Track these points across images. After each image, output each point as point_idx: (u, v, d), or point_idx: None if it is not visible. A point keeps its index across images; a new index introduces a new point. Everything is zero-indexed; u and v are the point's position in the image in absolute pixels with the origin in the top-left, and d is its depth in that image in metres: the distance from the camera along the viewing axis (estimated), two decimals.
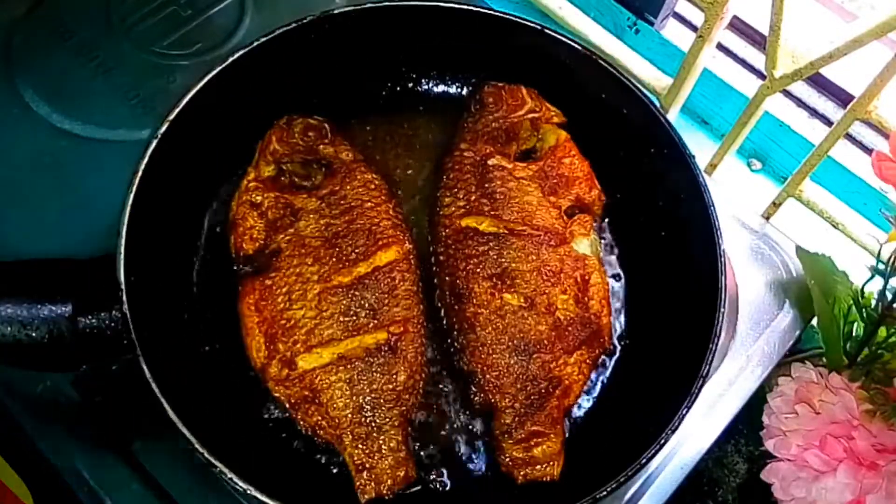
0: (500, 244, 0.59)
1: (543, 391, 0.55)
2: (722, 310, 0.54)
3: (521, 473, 0.54)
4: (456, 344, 0.58)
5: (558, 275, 0.58)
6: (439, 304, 0.60)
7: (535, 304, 0.57)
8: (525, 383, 0.55)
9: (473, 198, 0.61)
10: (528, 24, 0.64)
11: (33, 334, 0.51)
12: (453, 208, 0.61)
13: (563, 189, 0.62)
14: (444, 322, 0.59)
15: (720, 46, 0.81)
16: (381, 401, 0.54)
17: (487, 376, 0.56)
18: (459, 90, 0.71)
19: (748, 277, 0.70)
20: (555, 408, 0.55)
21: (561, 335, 0.57)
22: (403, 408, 0.55)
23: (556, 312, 0.57)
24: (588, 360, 0.57)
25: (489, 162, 0.62)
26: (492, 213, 0.60)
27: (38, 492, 0.60)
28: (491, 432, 0.56)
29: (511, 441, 0.54)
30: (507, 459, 0.54)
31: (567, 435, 0.57)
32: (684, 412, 0.51)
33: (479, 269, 0.58)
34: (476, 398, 0.56)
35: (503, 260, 0.58)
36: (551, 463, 0.54)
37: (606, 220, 0.65)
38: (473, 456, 0.57)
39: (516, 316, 0.57)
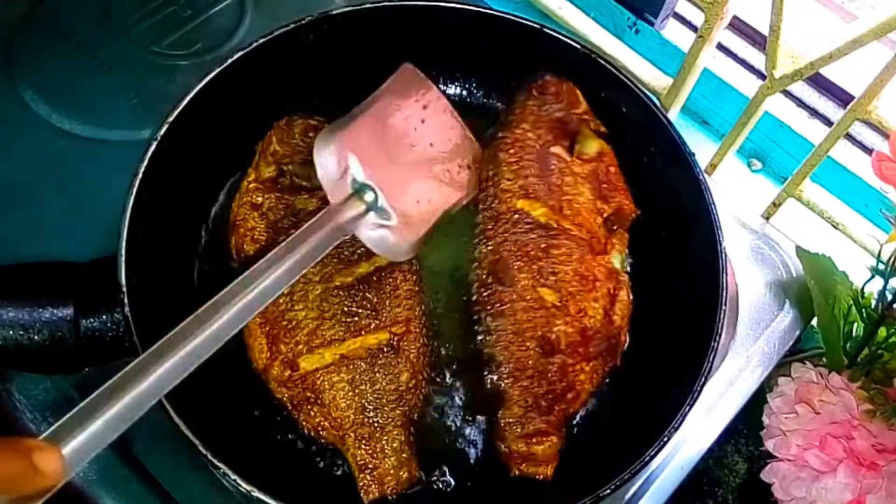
0: (549, 237, 0.57)
1: (557, 392, 0.55)
2: (723, 309, 0.54)
3: (517, 467, 0.54)
4: (483, 324, 0.56)
5: (594, 283, 0.57)
6: (474, 278, 0.58)
7: (567, 305, 0.56)
8: (542, 381, 0.55)
9: (533, 181, 0.59)
10: (528, 23, 0.64)
11: (35, 337, 0.51)
12: (515, 186, 0.59)
13: (610, 195, 0.61)
14: (474, 297, 0.58)
15: (720, 46, 0.81)
16: (384, 401, 0.54)
17: (509, 365, 0.55)
18: (459, 90, 0.71)
19: (748, 277, 0.70)
20: (562, 411, 0.55)
21: (585, 342, 0.56)
22: (406, 408, 0.55)
23: (584, 319, 0.56)
24: (600, 372, 0.57)
25: (551, 149, 0.60)
26: (548, 202, 0.58)
27: None
28: (495, 419, 0.55)
29: (515, 434, 0.54)
30: (507, 450, 0.54)
31: (568, 436, 0.57)
32: (686, 411, 0.51)
33: (525, 258, 0.57)
34: (489, 383, 0.55)
35: (548, 254, 0.57)
36: (547, 463, 0.54)
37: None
38: (476, 456, 0.57)
39: (549, 312, 0.56)
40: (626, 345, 0.60)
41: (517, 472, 0.54)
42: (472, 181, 0.60)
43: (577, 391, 0.56)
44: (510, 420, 0.55)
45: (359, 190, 0.51)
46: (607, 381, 0.59)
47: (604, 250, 0.59)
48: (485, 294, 0.57)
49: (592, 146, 0.63)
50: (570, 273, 0.57)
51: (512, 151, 0.61)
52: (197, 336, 0.42)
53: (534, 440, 0.54)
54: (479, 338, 0.57)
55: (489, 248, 0.58)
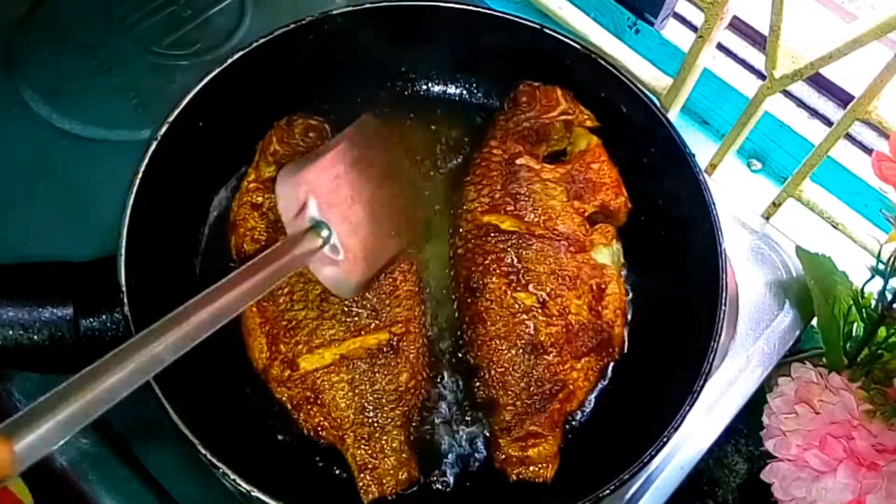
0: (520, 243, 0.59)
1: (546, 393, 0.55)
2: (723, 308, 0.54)
3: (514, 472, 0.54)
4: (465, 336, 0.58)
5: (574, 280, 0.58)
6: (454, 297, 0.60)
7: (547, 306, 0.57)
8: (529, 383, 0.55)
9: (498, 195, 0.61)
10: (528, 24, 0.64)
11: (35, 337, 0.51)
12: (476, 203, 0.61)
13: (588, 194, 0.62)
14: (456, 315, 0.59)
15: (720, 46, 0.81)
16: (384, 401, 0.55)
17: (492, 371, 0.56)
18: (459, 90, 0.71)
19: (748, 277, 0.70)
20: (556, 411, 0.55)
21: (570, 339, 0.57)
22: (405, 408, 0.55)
23: (568, 316, 0.57)
24: (595, 368, 0.57)
25: (517, 161, 0.62)
26: (514, 212, 0.60)
27: (38, 492, 0.59)
28: (490, 428, 0.56)
29: (508, 438, 0.55)
30: (502, 456, 0.55)
31: (568, 436, 0.57)
32: (686, 411, 0.51)
33: (495, 266, 0.58)
34: (479, 392, 0.56)
35: (520, 259, 0.58)
36: (545, 465, 0.54)
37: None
38: (476, 456, 0.57)
39: (528, 315, 0.57)
40: (625, 337, 0.60)
41: (515, 478, 0.54)
42: (418, 236, 0.62)
43: (571, 390, 0.56)
44: (502, 426, 0.55)
45: (316, 226, 0.53)
46: (608, 380, 0.59)
47: (583, 248, 0.59)
48: (464, 309, 0.59)
49: (581, 143, 0.64)
50: (546, 274, 0.58)
51: (477, 171, 0.63)
52: (141, 355, 0.42)
53: (528, 443, 0.54)
54: (464, 350, 0.58)
55: (462, 265, 0.60)
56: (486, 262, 0.58)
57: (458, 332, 0.59)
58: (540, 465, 0.54)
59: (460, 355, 0.59)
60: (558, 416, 0.55)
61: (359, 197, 0.56)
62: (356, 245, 0.54)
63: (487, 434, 0.57)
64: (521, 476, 0.54)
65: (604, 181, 0.62)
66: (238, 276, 0.47)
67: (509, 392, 0.55)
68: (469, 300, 0.58)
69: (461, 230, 0.61)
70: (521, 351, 0.56)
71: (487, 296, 0.57)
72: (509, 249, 0.58)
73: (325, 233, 0.53)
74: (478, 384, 0.56)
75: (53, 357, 0.52)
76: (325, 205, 0.53)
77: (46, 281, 0.53)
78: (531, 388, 0.55)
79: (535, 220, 0.60)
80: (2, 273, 0.54)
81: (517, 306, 0.57)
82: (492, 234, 0.59)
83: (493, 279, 0.58)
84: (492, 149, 0.63)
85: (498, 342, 0.56)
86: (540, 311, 0.57)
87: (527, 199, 0.60)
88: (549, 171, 0.62)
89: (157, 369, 0.43)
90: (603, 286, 0.59)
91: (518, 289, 0.57)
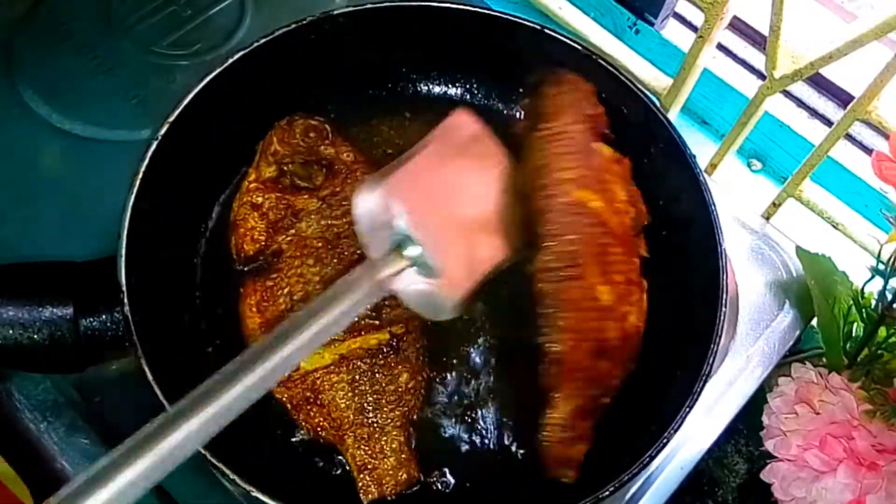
0: (605, 233, 0.54)
1: (598, 398, 0.53)
2: (724, 309, 0.54)
3: (555, 468, 0.52)
4: (544, 317, 0.52)
5: (634, 286, 0.55)
6: (540, 267, 0.53)
7: (616, 308, 0.53)
8: (592, 383, 0.53)
9: (583, 172, 0.55)
10: (528, 24, 0.64)
11: (34, 336, 0.51)
12: (568, 175, 0.54)
13: (633, 199, 0.58)
14: (539, 286, 0.52)
15: (720, 46, 0.81)
16: (383, 401, 0.55)
17: (566, 364, 0.52)
18: (460, 91, 0.71)
19: (748, 277, 0.70)
20: (596, 418, 0.53)
21: (623, 347, 0.54)
22: (405, 408, 0.55)
23: (624, 324, 0.54)
24: (622, 380, 0.55)
25: (592, 144, 0.57)
26: (601, 195, 0.55)
27: (38, 492, 0.60)
28: (541, 417, 0.52)
29: (561, 436, 0.52)
30: (550, 448, 0.52)
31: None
32: (686, 412, 0.51)
33: (591, 251, 0.53)
34: (545, 377, 0.52)
35: (607, 251, 0.53)
36: (577, 468, 0.53)
37: None
38: (476, 456, 0.57)
39: (602, 313, 0.52)
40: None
41: (551, 475, 0.52)
42: (520, 238, 0.53)
43: (608, 400, 0.54)
44: (558, 422, 0.52)
45: (401, 243, 0.46)
46: None
47: (637, 253, 0.57)
48: (553, 286, 0.52)
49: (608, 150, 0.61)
50: (622, 273, 0.54)
51: (561, 142, 0.56)
52: (210, 406, 0.38)
53: (574, 444, 0.52)
54: (542, 330, 0.52)
55: (560, 238, 0.53)
56: (585, 244, 0.52)
57: (527, 310, 0.52)
58: (574, 467, 0.52)
59: (463, 355, 0.59)
60: (594, 423, 0.53)
61: (453, 202, 0.49)
62: (452, 259, 0.47)
63: (488, 434, 0.57)
64: (556, 474, 0.52)
65: (637, 190, 0.59)
66: (308, 312, 0.42)
67: (573, 388, 0.52)
68: (562, 278, 0.52)
69: (550, 199, 0.53)
70: (595, 348, 0.52)
71: (582, 282, 0.52)
72: (599, 237, 0.53)
73: (412, 251, 0.46)
74: (548, 368, 0.52)
75: (53, 357, 0.52)
76: (412, 217, 0.46)
77: (46, 280, 0.53)
78: (589, 390, 0.53)
79: (613, 210, 0.55)
80: (1, 272, 0.54)
81: (599, 301, 0.52)
82: (583, 214, 0.53)
83: (590, 267, 0.52)
84: (567, 124, 0.57)
85: (577, 334, 0.52)
86: (610, 310, 0.53)
87: (605, 185, 0.55)
88: (616, 164, 0.58)
89: (230, 417, 0.38)
90: (641, 296, 0.56)
91: (604, 282, 0.53)
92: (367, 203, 0.47)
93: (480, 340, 0.60)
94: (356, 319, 0.56)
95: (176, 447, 0.36)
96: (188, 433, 0.36)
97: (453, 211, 0.48)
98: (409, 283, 0.47)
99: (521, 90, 0.69)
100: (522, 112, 0.66)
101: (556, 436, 0.52)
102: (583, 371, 0.52)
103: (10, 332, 0.50)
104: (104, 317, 0.52)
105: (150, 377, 0.49)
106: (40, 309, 0.51)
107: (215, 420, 0.37)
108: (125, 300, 0.51)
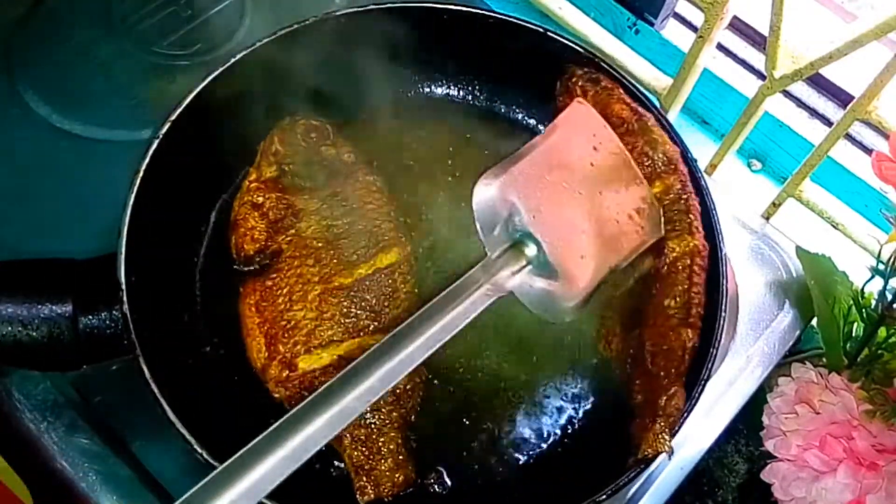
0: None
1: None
2: (723, 315, 0.54)
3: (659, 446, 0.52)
4: (680, 307, 0.55)
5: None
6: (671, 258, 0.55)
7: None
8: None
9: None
10: (529, 25, 0.64)
11: (33, 334, 0.51)
12: (683, 167, 0.58)
13: None
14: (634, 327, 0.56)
15: (720, 46, 0.81)
16: (381, 402, 0.54)
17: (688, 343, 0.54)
18: (462, 93, 0.71)
19: (748, 278, 0.70)
20: None
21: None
22: (403, 410, 0.55)
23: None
24: None
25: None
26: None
27: (38, 492, 0.60)
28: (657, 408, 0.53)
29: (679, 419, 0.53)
30: (665, 430, 0.52)
31: (565, 440, 0.57)
32: (685, 416, 0.51)
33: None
34: (667, 366, 0.54)
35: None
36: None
37: None
38: (473, 458, 0.56)
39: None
40: None
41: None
42: (645, 230, 0.53)
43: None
44: (681, 407, 0.52)
45: (519, 241, 0.45)
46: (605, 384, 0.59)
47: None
48: (699, 273, 0.56)
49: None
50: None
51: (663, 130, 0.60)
52: (335, 403, 0.38)
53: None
54: (669, 321, 0.54)
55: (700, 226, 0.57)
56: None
57: (631, 351, 0.56)
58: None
59: (462, 356, 0.58)
60: None
61: (576, 198, 0.47)
62: (572, 258, 0.46)
63: (484, 434, 0.56)
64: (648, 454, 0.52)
65: None
66: (428, 312, 0.42)
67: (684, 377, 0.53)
68: (700, 271, 0.55)
69: (688, 192, 0.57)
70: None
71: (697, 321, 0.54)
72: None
73: (531, 249, 0.45)
74: (662, 362, 0.54)
75: (52, 354, 0.52)
76: (532, 212, 0.45)
77: (46, 278, 0.53)
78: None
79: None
80: (1, 269, 0.54)
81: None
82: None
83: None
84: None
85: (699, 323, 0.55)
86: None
87: None
88: None
89: (348, 420, 0.39)
90: None
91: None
92: (485, 196, 0.46)
93: (480, 342, 0.59)
94: (354, 320, 0.56)
95: (306, 442, 0.37)
96: (317, 428, 0.38)
97: (576, 209, 0.47)
98: (527, 283, 0.45)
99: (522, 91, 0.69)
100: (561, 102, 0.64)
101: (677, 422, 0.52)
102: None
103: (9, 328, 0.50)
104: (103, 315, 0.52)
105: (147, 376, 0.49)
106: (39, 306, 0.51)
107: (342, 416, 0.38)
108: (124, 298, 0.51)
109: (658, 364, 0.54)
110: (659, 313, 0.55)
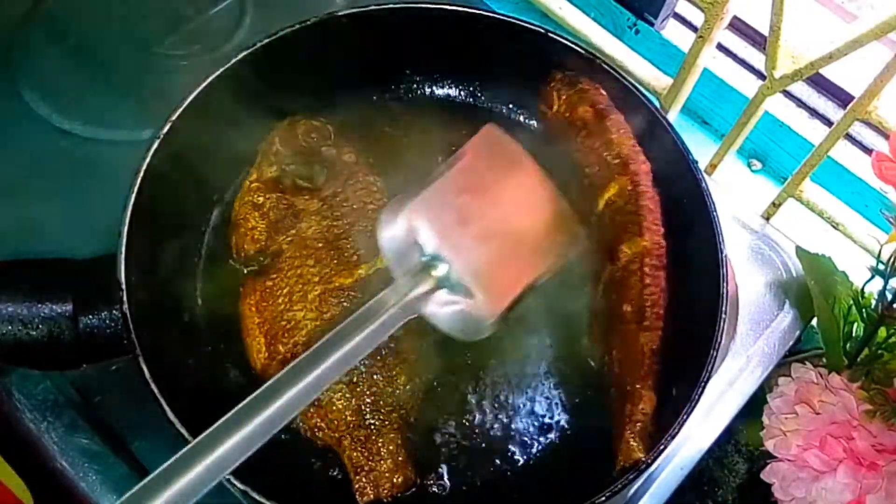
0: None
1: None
2: (723, 316, 0.54)
3: (637, 454, 0.52)
4: (637, 311, 0.56)
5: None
6: (622, 263, 0.57)
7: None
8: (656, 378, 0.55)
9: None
10: (529, 25, 0.64)
11: (33, 333, 0.51)
12: (645, 167, 0.60)
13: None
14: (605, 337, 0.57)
15: (720, 46, 0.81)
16: (381, 403, 0.54)
17: (657, 355, 0.55)
18: (463, 94, 0.71)
19: (748, 278, 0.70)
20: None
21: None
22: (403, 411, 0.55)
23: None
24: None
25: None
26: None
27: (38, 492, 0.60)
28: (626, 415, 0.54)
29: (650, 426, 0.53)
30: (636, 438, 0.52)
31: (564, 441, 0.57)
32: (684, 419, 0.51)
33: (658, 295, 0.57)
34: (631, 371, 0.55)
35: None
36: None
37: None
38: (472, 459, 0.56)
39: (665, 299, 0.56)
40: None
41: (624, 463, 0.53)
42: (561, 245, 0.53)
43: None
44: (649, 413, 0.53)
45: (429, 263, 0.45)
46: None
47: None
48: (653, 276, 0.57)
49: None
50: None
51: (628, 134, 0.61)
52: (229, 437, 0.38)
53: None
54: (627, 326, 0.55)
55: (657, 228, 0.58)
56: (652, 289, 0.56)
57: (606, 358, 0.57)
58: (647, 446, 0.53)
59: (462, 357, 0.59)
60: None
61: (485, 219, 0.48)
62: (485, 276, 0.47)
63: (484, 436, 0.57)
64: (634, 459, 0.52)
65: None
66: (335, 337, 0.42)
67: (655, 381, 0.54)
68: (655, 272, 0.56)
69: (643, 194, 0.59)
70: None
71: (654, 323, 0.55)
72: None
73: (440, 270, 0.45)
74: (623, 367, 0.55)
75: (52, 353, 0.52)
76: (439, 235, 0.46)
77: (46, 277, 0.53)
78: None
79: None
80: (1, 269, 0.54)
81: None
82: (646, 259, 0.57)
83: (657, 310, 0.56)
84: (620, 119, 0.62)
85: (661, 325, 0.55)
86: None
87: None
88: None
89: (250, 449, 0.39)
90: None
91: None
92: (391, 226, 0.46)
93: (480, 343, 0.59)
94: None
95: (196, 482, 0.36)
96: (208, 467, 0.37)
97: (485, 227, 0.48)
98: (442, 305, 0.46)
99: (522, 91, 0.69)
100: (544, 114, 0.66)
101: (647, 427, 0.52)
102: (659, 360, 0.54)
103: (10, 328, 0.51)
104: (103, 314, 0.52)
105: (147, 376, 0.49)
106: (40, 306, 0.51)
107: (235, 452, 0.38)
108: (124, 298, 0.51)
109: (624, 371, 0.55)
110: (619, 319, 0.56)
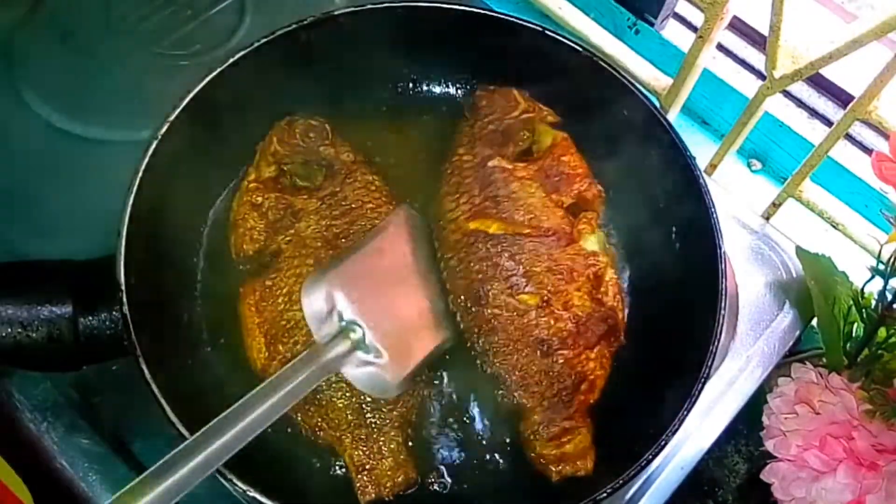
0: (511, 246, 0.58)
1: (570, 387, 0.55)
2: (722, 313, 0.54)
3: (556, 470, 0.54)
4: (477, 347, 0.57)
5: (571, 273, 0.58)
6: (453, 308, 0.59)
7: (551, 303, 0.57)
8: (551, 381, 0.55)
9: (478, 201, 0.60)
10: (529, 25, 0.64)
11: (33, 335, 0.51)
12: (458, 212, 0.61)
13: (564, 186, 0.62)
14: (461, 325, 0.59)
15: (720, 46, 0.81)
16: (381, 402, 0.54)
17: (513, 377, 0.56)
18: (460, 91, 0.71)
19: (748, 278, 0.70)
20: (581, 403, 0.55)
21: (580, 331, 0.57)
22: (403, 409, 0.55)
23: (573, 309, 0.57)
24: (608, 355, 0.58)
25: (489, 163, 0.62)
26: (498, 215, 0.60)
27: (38, 492, 0.60)
28: (521, 434, 0.56)
29: (542, 439, 0.54)
30: (540, 458, 0.54)
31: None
32: (684, 415, 0.51)
33: (492, 272, 0.58)
34: (504, 400, 0.56)
35: (515, 261, 0.58)
36: (584, 457, 0.54)
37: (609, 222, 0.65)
38: (473, 458, 0.56)
39: (535, 315, 0.57)
40: (626, 321, 0.60)
41: (557, 476, 0.54)
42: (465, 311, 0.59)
43: (591, 379, 0.56)
44: (533, 428, 0.55)
45: (345, 327, 0.51)
46: (607, 382, 0.59)
47: (572, 239, 0.59)
48: (469, 319, 0.58)
49: (545, 140, 0.64)
50: (543, 272, 0.58)
51: (451, 181, 0.63)
52: (170, 476, 0.42)
53: (563, 439, 0.54)
54: (478, 361, 0.57)
55: (458, 276, 0.59)
56: (483, 269, 0.58)
57: (469, 344, 0.58)
58: (579, 459, 0.54)
59: (462, 357, 0.59)
60: (584, 407, 0.56)
61: (397, 288, 0.55)
62: (394, 341, 0.53)
63: (483, 435, 0.57)
64: (563, 473, 0.54)
65: (577, 172, 0.62)
66: (263, 391, 0.47)
67: (534, 394, 0.55)
68: (473, 309, 0.58)
69: (449, 241, 0.60)
70: (536, 352, 0.56)
71: (492, 303, 0.57)
72: (503, 253, 0.58)
73: (356, 334, 0.51)
74: (501, 392, 0.56)
75: (52, 355, 0.52)
76: (354, 304, 0.52)
77: (46, 279, 0.53)
78: (554, 386, 0.55)
79: (521, 219, 0.59)
80: (1, 270, 0.54)
81: (522, 308, 0.57)
82: (482, 241, 0.59)
83: (494, 285, 0.57)
84: (461, 156, 0.63)
85: (512, 347, 0.56)
86: (544, 309, 0.57)
87: (507, 199, 0.60)
88: (522, 170, 0.62)
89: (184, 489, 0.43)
90: (599, 273, 0.59)
91: (519, 291, 0.57)
92: (310, 293, 0.52)
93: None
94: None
95: None
96: None
97: (392, 299, 0.55)
98: (356, 365, 0.52)
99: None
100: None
101: (540, 440, 0.54)
102: (536, 374, 0.56)
103: (9, 330, 0.51)
104: (103, 316, 0.52)
105: (147, 376, 0.49)
106: (39, 307, 0.51)
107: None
108: (124, 299, 0.51)
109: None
110: None
